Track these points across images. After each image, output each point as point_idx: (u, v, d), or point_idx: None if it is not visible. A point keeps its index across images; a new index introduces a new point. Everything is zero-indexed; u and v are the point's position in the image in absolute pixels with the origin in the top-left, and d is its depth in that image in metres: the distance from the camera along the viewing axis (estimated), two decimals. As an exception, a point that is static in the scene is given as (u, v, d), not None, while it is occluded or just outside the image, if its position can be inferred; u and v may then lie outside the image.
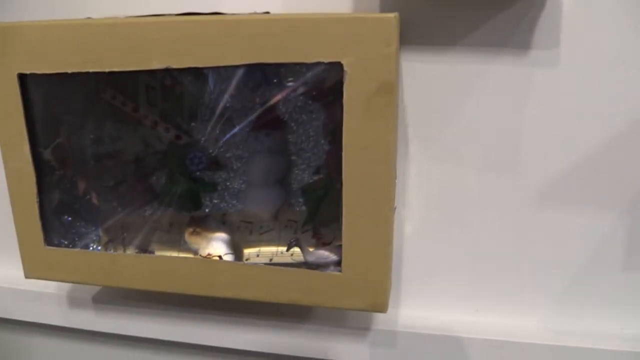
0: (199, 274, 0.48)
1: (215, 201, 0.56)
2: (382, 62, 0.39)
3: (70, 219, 0.55)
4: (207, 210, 0.56)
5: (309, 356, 0.58)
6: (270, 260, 0.54)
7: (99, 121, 0.54)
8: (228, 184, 0.55)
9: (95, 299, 0.63)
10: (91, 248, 0.56)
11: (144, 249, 0.56)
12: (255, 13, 0.44)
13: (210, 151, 0.54)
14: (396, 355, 0.55)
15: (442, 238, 0.53)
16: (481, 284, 0.54)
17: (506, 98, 0.48)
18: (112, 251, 0.56)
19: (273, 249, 0.55)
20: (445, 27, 0.48)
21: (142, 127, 0.54)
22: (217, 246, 0.53)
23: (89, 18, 0.46)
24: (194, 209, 0.56)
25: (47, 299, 0.64)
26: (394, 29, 0.39)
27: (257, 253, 0.55)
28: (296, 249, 0.49)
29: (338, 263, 0.46)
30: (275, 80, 0.50)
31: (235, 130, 0.52)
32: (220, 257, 0.51)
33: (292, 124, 0.52)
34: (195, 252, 0.53)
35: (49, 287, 0.63)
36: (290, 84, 0.49)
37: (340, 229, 0.43)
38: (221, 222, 0.56)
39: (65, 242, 0.54)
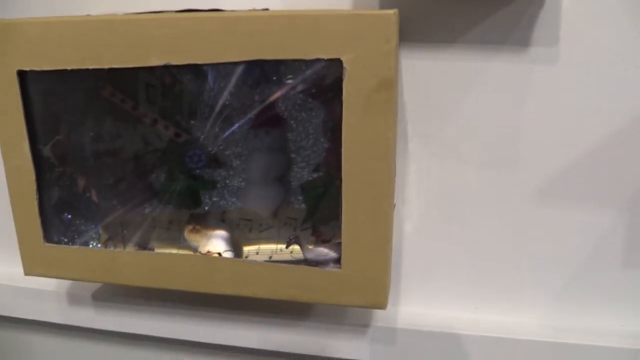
0: (199, 271, 0.48)
1: (215, 199, 0.56)
2: (381, 59, 0.39)
3: (69, 216, 0.55)
4: (206, 207, 0.56)
5: (309, 353, 0.58)
6: (270, 257, 0.54)
7: (99, 119, 0.54)
8: (227, 181, 0.55)
9: (94, 297, 0.63)
10: (91, 245, 0.56)
11: (143, 247, 0.56)
12: (254, 10, 0.44)
13: (210, 149, 0.54)
14: (396, 352, 0.56)
15: (442, 235, 0.53)
16: (481, 281, 0.54)
17: (506, 95, 0.48)
18: (111, 248, 0.56)
19: (272, 246, 0.55)
20: (445, 24, 0.48)
21: (142, 124, 0.54)
22: (216, 244, 0.53)
23: (88, 15, 0.46)
24: (194, 207, 0.56)
25: (46, 296, 0.64)
26: (394, 25, 0.39)
27: (257, 250, 0.55)
28: (295, 247, 0.50)
29: (337, 260, 0.46)
30: (274, 78, 0.50)
31: (235, 127, 0.52)
32: (219, 254, 0.51)
33: (292, 122, 0.52)
34: (195, 250, 0.53)
35: (48, 284, 0.63)
36: (289, 81, 0.49)
37: (339, 227, 0.43)
38: (221, 220, 0.56)
39: (65, 240, 0.54)
